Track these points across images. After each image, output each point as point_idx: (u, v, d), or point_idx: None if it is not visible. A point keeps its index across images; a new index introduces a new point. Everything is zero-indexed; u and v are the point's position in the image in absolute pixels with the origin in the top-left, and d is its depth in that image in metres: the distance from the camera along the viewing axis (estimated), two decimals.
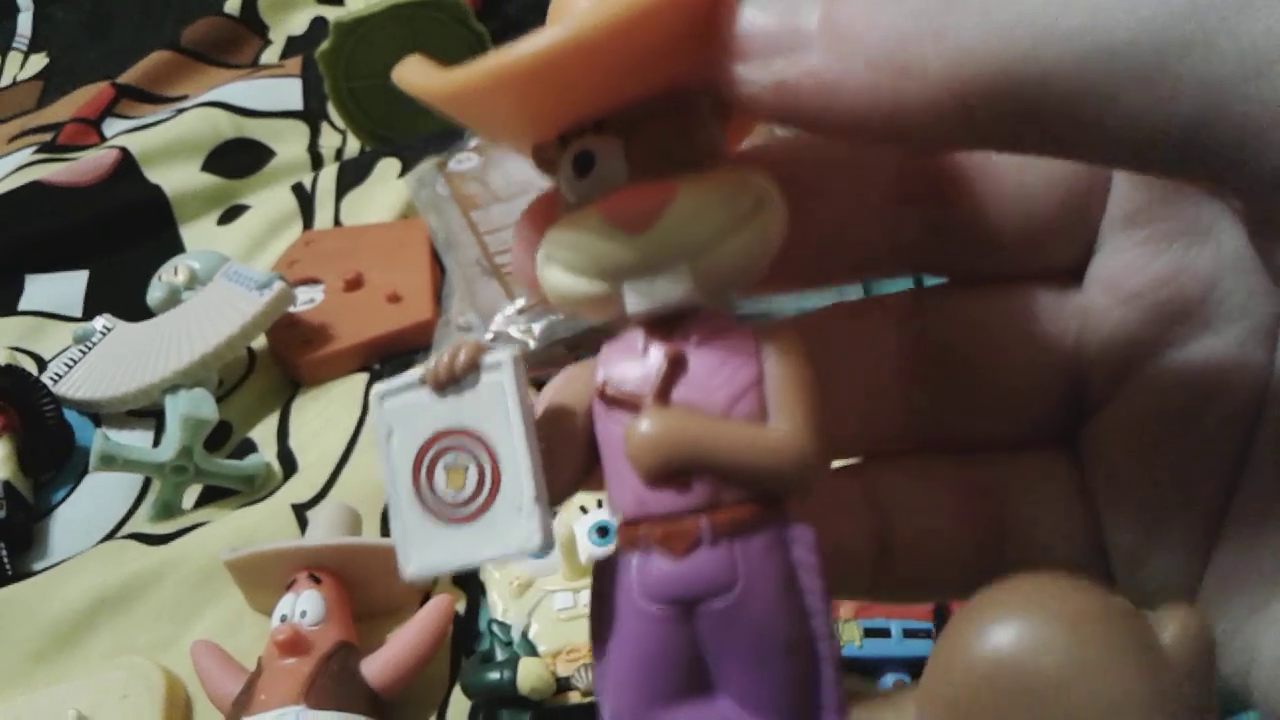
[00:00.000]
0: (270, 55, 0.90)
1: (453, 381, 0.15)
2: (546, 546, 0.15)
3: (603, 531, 0.45)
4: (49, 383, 0.57)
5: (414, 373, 0.16)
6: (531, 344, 0.56)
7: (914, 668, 0.42)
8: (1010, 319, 0.17)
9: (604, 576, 0.15)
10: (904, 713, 0.14)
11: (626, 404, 0.15)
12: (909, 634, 0.42)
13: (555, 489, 0.15)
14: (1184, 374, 0.15)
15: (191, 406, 0.52)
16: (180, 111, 0.78)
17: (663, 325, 0.15)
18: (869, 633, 0.42)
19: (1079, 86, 0.11)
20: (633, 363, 0.15)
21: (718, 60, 0.13)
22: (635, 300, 0.15)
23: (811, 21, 0.13)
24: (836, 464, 0.18)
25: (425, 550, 0.15)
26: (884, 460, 0.18)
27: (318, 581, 0.45)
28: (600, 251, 0.15)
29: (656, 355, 0.15)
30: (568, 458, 0.15)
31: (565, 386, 0.16)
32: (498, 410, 0.15)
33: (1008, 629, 0.13)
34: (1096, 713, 0.12)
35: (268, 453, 0.56)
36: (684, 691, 0.15)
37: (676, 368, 0.15)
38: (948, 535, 0.17)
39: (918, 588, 0.18)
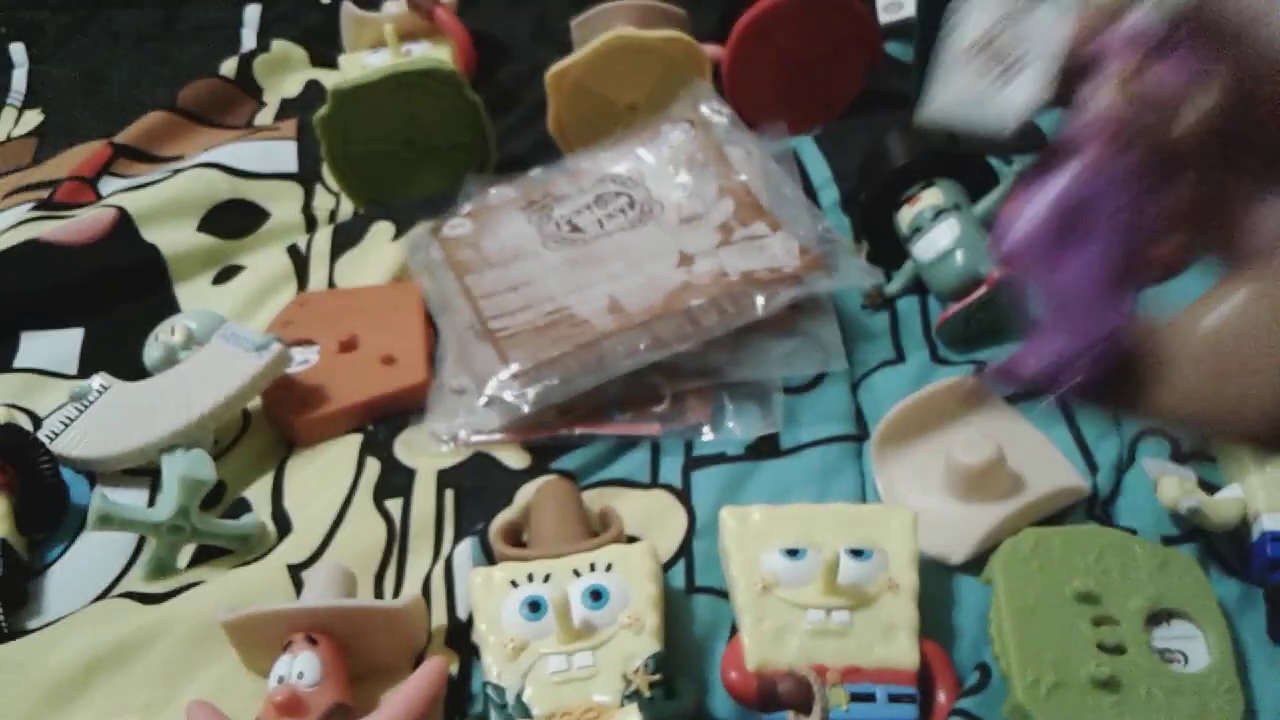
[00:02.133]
0: (264, 117, 0.91)
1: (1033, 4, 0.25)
2: (1040, 109, 0.24)
3: (595, 595, 0.46)
4: (45, 440, 0.58)
5: None
6: (525, 408, 0.58)
7: None
8: None
9: None
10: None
11: None
12: (894, 699, 0.43)
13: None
14: None
15: (190, 468, 0.53)
16: (176, 172, 0.80)
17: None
18: (855, 698, 0.43)
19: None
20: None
21: None
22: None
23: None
24: None
25: (954, 94, 0.25)
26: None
27: (314, 643, 0.45)
28: None
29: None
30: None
31: None
32: (1049, 30, 0.24)
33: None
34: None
35: (262, 513, 0.57)
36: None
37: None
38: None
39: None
